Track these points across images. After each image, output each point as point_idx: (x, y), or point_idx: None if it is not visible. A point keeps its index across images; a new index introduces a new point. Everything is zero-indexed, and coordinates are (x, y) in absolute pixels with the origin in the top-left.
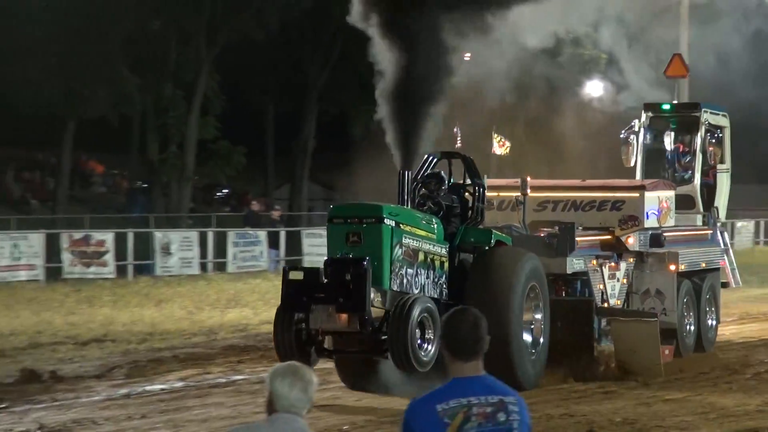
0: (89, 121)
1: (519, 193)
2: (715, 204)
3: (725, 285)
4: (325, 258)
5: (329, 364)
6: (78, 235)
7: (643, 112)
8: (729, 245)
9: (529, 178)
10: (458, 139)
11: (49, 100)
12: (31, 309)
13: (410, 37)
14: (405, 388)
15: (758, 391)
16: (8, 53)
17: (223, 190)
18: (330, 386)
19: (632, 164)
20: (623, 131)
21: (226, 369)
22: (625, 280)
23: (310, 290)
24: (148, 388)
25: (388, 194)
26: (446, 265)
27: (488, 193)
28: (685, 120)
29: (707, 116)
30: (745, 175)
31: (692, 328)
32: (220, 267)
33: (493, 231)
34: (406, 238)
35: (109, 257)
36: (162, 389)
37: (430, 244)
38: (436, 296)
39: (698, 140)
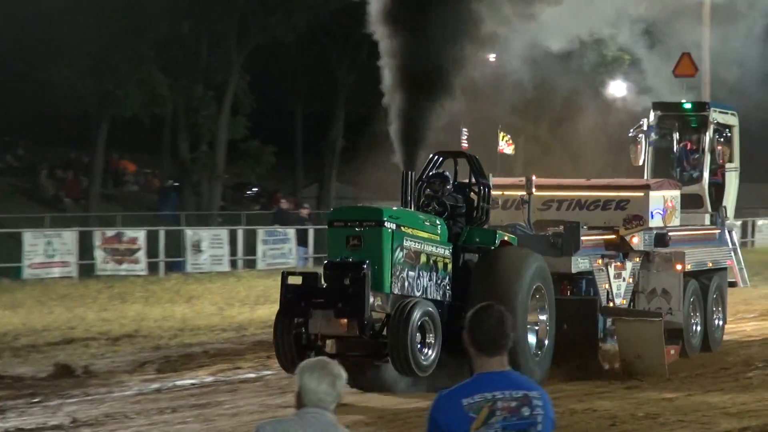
0: (122, 120)
1: (524, 192)
2: (724, 203)
3: (733, 284)
4: (325, 261)
5: None
6: (110, 232)
7: (651, 111)
8: (737, 244)
9: (534, 177)
10: (464, 139)
11: (83, 100)
12: (64, 305)
13: (422, 26)
14: (406, 387)
15: None
16: (43, 54)
17: (253, 189)
18: None
19: (641, 163)
20: (632, 130)
21: (256, 364)
22: (631, 280)
23: (308, 295)
24: (178, 383)
25: None
26: (450, 266)
27: (493, 192)
28: (693, 119)
29: (716, 115)
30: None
31: (699, 328)
32: (250, 264)
33: (498, 231)
34: (407, 240)
35: (141, 254)
36: (192, 384)
37: (432, 246)
38: (439, 298)
39: (707, 139)
